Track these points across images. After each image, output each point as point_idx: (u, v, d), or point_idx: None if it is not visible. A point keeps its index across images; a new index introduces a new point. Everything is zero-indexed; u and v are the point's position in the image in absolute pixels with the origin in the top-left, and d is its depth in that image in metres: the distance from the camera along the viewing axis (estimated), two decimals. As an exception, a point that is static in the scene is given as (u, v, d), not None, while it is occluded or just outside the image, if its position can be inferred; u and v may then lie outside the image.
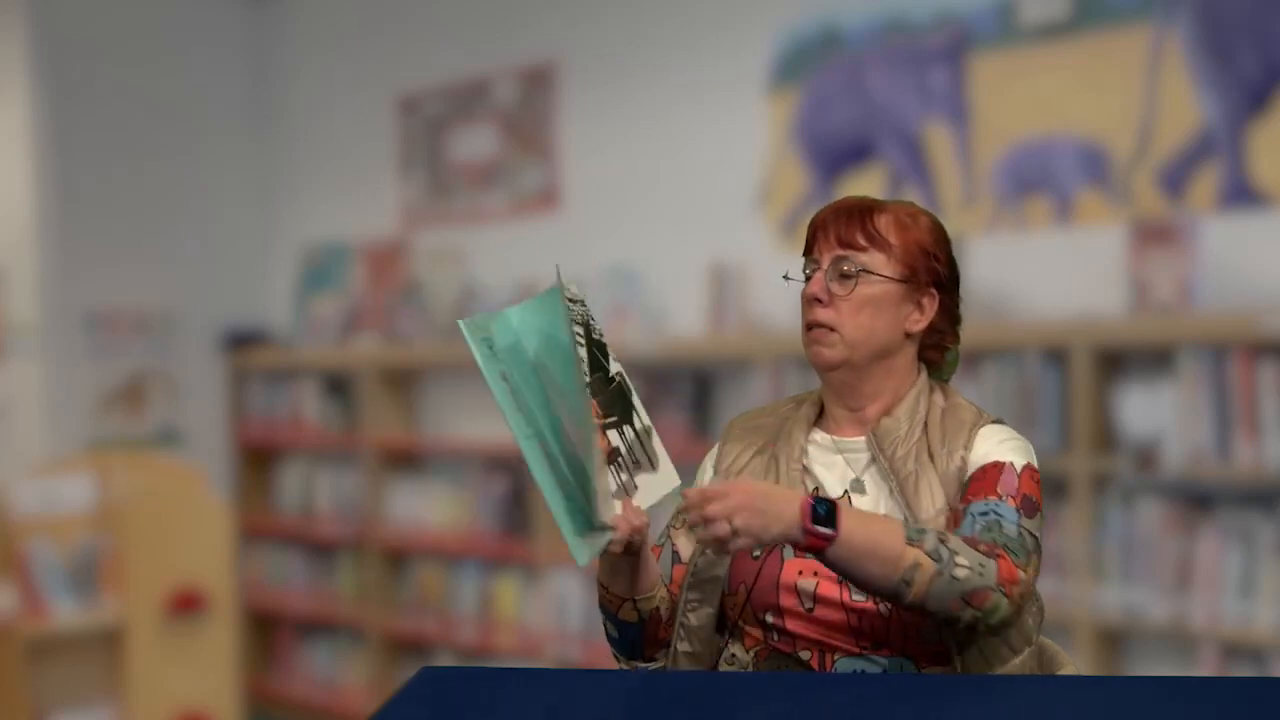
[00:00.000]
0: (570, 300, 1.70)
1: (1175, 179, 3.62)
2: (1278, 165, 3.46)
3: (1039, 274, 3.83)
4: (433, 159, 5.61)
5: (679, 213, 4.71)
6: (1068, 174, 3.83)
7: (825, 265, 1.76)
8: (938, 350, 1.82)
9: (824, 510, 1.55)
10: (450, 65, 5.53)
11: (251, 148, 6.25)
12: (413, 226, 5.67)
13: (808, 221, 1.82)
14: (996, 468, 1.69)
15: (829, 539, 1.55)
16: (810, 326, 1.76)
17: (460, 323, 1.66)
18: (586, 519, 1.62)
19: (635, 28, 4.90)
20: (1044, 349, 3.58)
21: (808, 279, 1.78)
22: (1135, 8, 3.68)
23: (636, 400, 1.75)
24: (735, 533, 1.55)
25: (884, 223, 1.76)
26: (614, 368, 1.74)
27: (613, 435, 1.71)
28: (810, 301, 1.76)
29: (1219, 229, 3.50)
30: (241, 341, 6.09)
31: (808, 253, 1.80)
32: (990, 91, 3.98)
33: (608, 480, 1.67)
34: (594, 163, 5.03)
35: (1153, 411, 3.41)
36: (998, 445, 1.72)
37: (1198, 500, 3.41)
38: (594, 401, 1.69)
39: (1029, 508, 1.67)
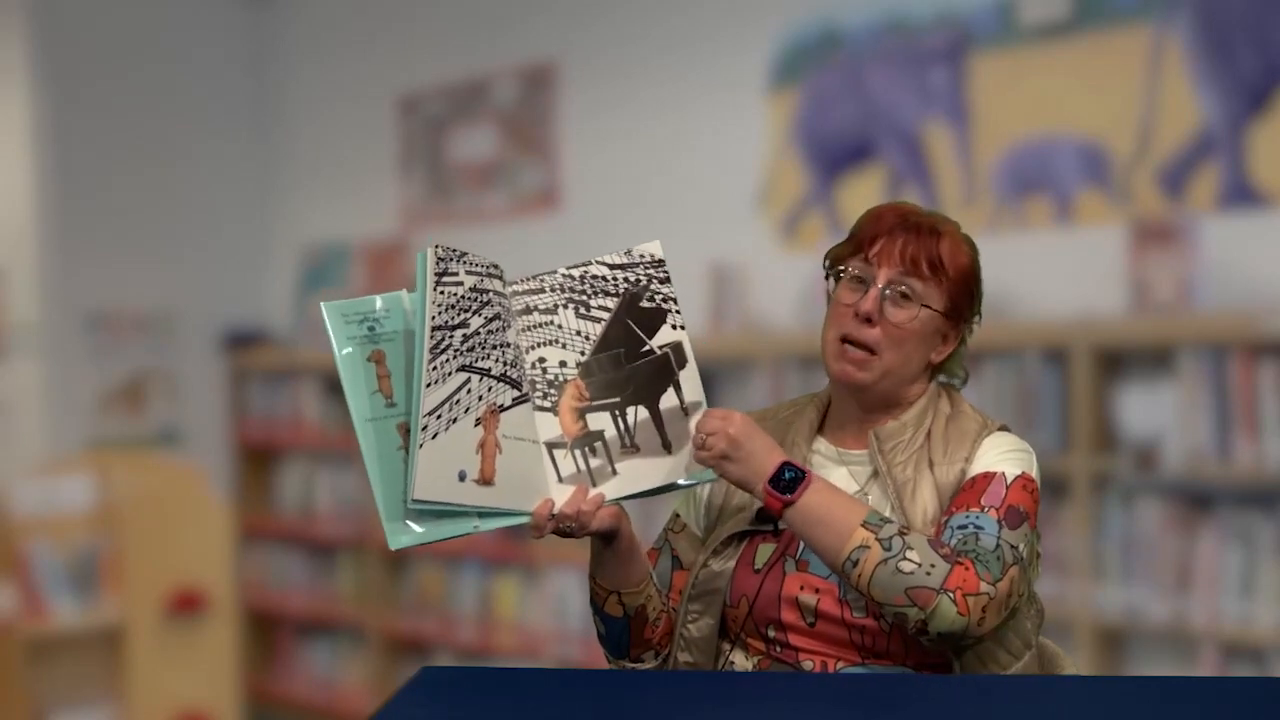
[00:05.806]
0: (563, 272, 1.68)
1: (1175, 179, 3.62)
2: (1278, 165, 3.46)
3: (1039, 274, 3.83)
4: (433, 159, 5.60)
5: (679, 213, 4.70)
6: (1068, 174, 3.82)
7: (881, 282, 1.68)
8: (939, 369, 1.78)
9: (789, 476, 1.60)
10: (450, 65, 5.53)
11: (251, 148, 6.24)
12: (413, 226, 5.66)
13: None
14: (986, 478, 1.65)
15: (784, 503, 1.59)
16: (845, 340, 1.70)
17: (322, 305, 1.63)
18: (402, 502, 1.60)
19: (635, 28, 4.89)
20: (1044, 349, 3.58)
21: (854, 278, 1.70)
22: (1135, 8, 3.67)
23: (684, 379, 1.68)
24: (723, 456, 1.61)
25: (946, 251, 1.70)
26: (661, 341, 1.68)
27: (599, 418, 1.67)
28: (858, 318, 1.68)
29: (1219, 229, 3.50)
30: (241, 341, 6.09)
31: (858, 252, 1.71)
32: (990, 91, 3.97)
33: (538, 464, 1.64)
34: (594, 162, 5.03)
35: (1153, 411, 3.41)
36: (998, 456, 1.68)
37: (1198, 500, 3.41)
38: (579, 383, 1.67)
39: (1013, 519, 1.62)
